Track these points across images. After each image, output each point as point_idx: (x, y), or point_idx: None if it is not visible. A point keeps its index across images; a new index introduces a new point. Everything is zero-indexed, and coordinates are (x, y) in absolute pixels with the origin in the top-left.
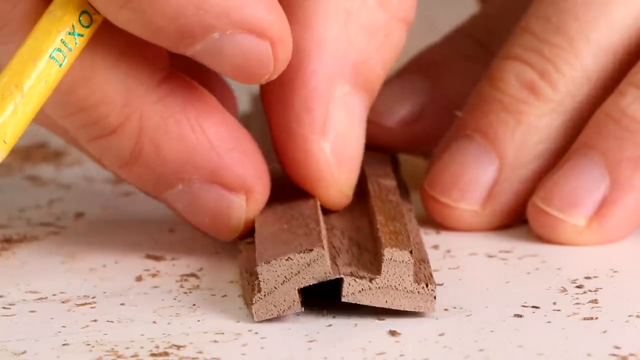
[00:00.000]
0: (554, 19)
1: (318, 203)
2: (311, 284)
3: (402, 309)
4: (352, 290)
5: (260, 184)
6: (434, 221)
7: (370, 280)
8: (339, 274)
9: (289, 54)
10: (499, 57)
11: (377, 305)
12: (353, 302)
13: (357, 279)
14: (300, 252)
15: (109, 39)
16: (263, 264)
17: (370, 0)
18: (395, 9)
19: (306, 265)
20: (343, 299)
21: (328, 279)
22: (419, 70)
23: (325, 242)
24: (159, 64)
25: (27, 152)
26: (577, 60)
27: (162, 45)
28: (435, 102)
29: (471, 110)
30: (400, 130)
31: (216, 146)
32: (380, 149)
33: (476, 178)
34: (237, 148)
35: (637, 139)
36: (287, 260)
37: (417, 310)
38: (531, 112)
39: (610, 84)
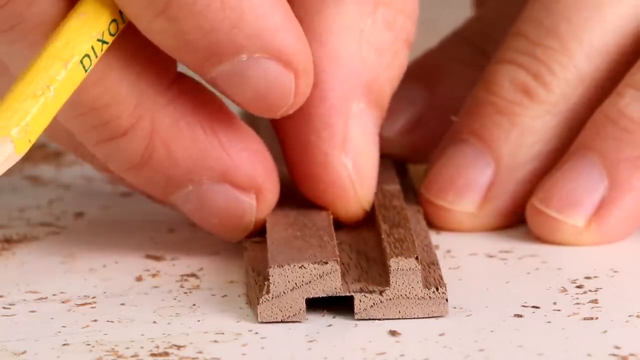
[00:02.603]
0: (546, 21)
1: (331, 216)
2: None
3: (415, 317)
4: (364, 306)
5: (270, 184)
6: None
7: (380, 293)
8: (349, 291)
9: (309, 89)
10: (493, 61)
11: (390, 317)
12: (366, 317)
13: (367, 294)
14: (315, 262)
15: (124, 40)
16: (276, 267)
17: (380, 20)
18: (399, 30)
19: (318, 277)
20: (356, 317)
21: (338, 294)
22: (417, 77)
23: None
24: (169, 66)
25: (27, 152)
26: (570, 61)
27: (186, 62)
28: (434, 109)
29: (466, 115)
30: (400, 139)
31: (227, 147)
32: (381, 157)
33: (472, 180)
34: (247, 148)
35: (636, 140)
36: (300, 267)
37: (431, 316)
38: (526, 113)
39: (604, 85)
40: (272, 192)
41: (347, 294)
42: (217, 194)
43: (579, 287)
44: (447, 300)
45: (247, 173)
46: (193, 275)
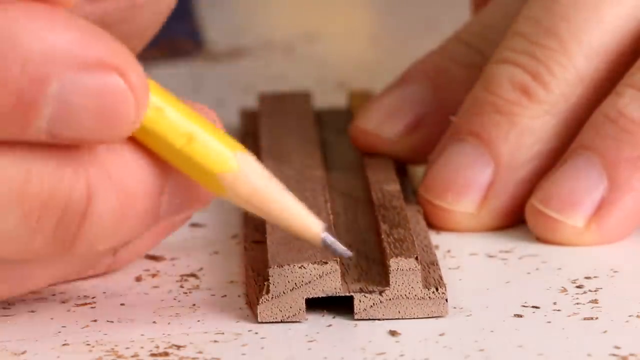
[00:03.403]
0: (544, 21)
1: (331, 216)
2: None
3: (415, 317)
4: (364, 306)
5: (123, 58)
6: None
7: (380, 293)
8: (348, 292)
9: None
10: (492, 61)
11: (390, 318)
12: (366, 318)
13: (367, 295)
14: (315, 262)
15: None
16: (275, 267)
17: None
18: None
19: (318, 277)
20: (356, 317)
21: (337, 294)
22: (418, 79)
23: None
24: None
25: None
26: (570, 61)
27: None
28: (435, 111)
29: (465, 114)
30: (400, 141)
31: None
32: (381, 158)
33: (471, 180)
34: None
35: (635, 140)
36: (300, 268)
37: (430, 316)
38: (525, 113)
39: (603, 85)
40: (133, 69)
41: (347, 294)
42: (79, 84)
43: (579, 287)
44: (447, 300)
45: (91, 50)
46: (193, 275)
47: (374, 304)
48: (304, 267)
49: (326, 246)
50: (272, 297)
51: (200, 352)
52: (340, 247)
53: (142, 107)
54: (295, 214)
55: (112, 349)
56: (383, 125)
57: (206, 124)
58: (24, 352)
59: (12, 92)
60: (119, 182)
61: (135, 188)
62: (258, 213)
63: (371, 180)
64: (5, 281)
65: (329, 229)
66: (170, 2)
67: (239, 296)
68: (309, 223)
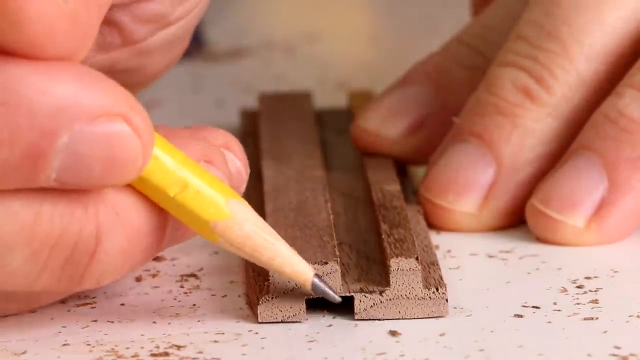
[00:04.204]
0: (546, 25)
1: (331, 216)
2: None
3: (415, 317)
4: (364, 306)
5: (126, 103)
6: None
7: (381, 293)
8: (349, 292)
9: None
10: (495, 63)
11: (390, 318)
12: (366, 318)
13: (367, 295)
14: (315, 263)
15: None
16: None
17: None
18: None
19: None
20: (356, 317)
21: (338, 295)
22: (420, 80)
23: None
24: None
25: None
26: (571, 64)
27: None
28: (436, 112)
29: (468, 116)
30: (402, 141)
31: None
32: (382, 158)
33: (473, 180)
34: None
35: (635, 140)
36: None
37: (431, 316)
38: (527, 115)
39: (604, 87)
40: (137, 112)
41: (347, 294)
42: (88, 134)
43: (579, 287)
44: (447, 300)
45: (97, 99)
46: (193, 275)
47: (374, 304)
48: None
49: (316, 291)
50: (273, 297)
51: (200, 352)
52: (330, 293)
53: (148, 150)
54: (287, 261)
55: (112, 349)
56: (385, 125)
57: (200, 170)
58: (24, 352)
59: (21, 147)
60: (126, 219)
61: (141, 224)
62: (250, 259)
63: (371, 180)
64: (14, 301)
65: (328, 229)
66: (182, 48)
67: (239, 296)
68: (300, 269)
